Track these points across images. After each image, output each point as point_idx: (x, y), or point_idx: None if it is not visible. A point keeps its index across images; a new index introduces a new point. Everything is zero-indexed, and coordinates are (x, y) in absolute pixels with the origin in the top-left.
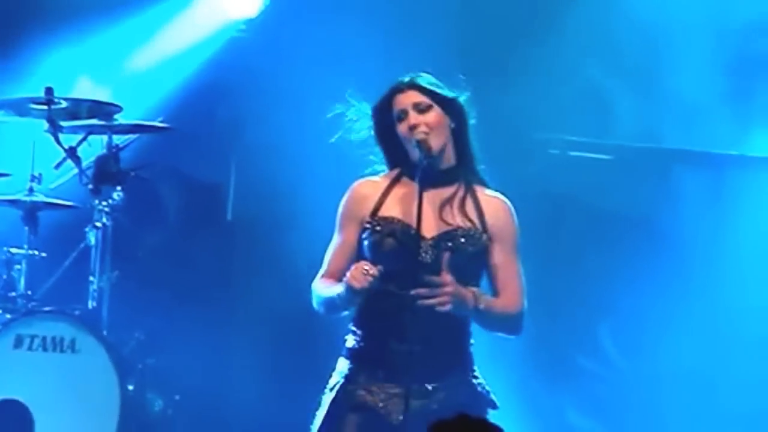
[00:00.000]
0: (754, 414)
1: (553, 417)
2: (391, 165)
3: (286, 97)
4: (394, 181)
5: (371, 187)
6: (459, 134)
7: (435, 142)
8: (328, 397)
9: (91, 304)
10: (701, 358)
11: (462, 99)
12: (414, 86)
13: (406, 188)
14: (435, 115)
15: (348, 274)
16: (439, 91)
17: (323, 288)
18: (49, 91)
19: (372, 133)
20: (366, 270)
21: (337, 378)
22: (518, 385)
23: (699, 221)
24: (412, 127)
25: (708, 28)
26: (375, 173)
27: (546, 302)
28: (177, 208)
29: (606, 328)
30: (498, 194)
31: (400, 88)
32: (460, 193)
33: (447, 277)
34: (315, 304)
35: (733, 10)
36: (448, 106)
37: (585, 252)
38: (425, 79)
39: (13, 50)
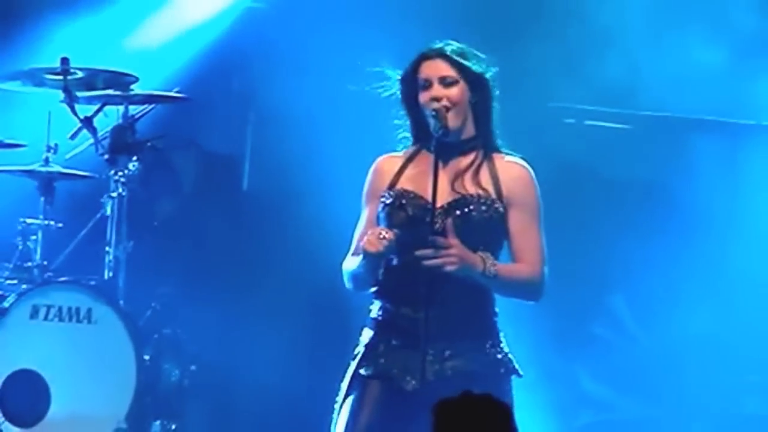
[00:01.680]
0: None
1: (568, 384)
2: (415, 134)
3: (302, 68)
4: (413, 155)
5: (392, 163)
6: (481, 109)
7: (453, 119)
8: (351, 367)
9: (107, 274)
10: (715, 325)
11: (489, 75)
12: (443, 56)
13: (424, 161)
14: (459, 90)
15: (364, 239)
16: (467, 65)
17: (349, 263)
18: (64, 61)
19: (399, 98)
20: (381, 234)
21: (359, 348)
22: (533, 353)
23: (714, 190)
24: (435, 99)
25: None
26: (392, 145)
27: (560, 270)
28: (193, 178)
29: (620, 296)
30: (519, 160)
31: (429, 56)
32: (476, 162)
33: (452, 239)
34: (346, 283)
35: None
36: (475, 80)
37: (600, 221)
38: (456, 50)
39: (30, 20)
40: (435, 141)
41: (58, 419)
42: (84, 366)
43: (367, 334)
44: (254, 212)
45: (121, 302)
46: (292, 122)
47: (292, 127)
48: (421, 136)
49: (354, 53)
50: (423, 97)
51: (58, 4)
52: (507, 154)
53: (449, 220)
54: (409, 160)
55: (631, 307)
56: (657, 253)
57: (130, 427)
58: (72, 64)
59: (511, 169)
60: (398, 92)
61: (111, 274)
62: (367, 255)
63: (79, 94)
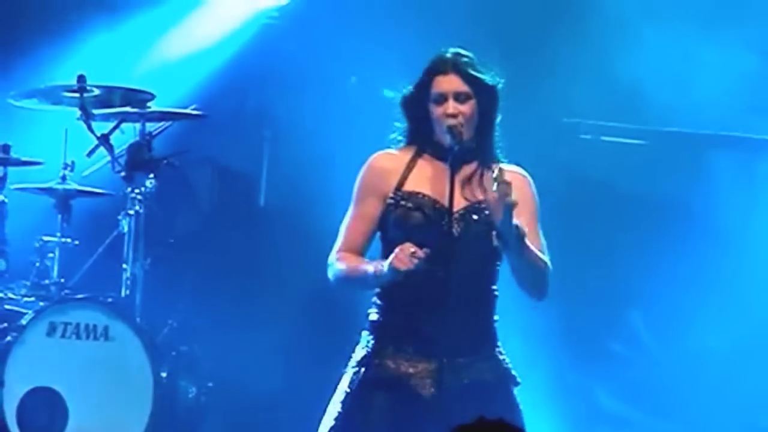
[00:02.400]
0: None
1: (584, 400)
2: (411, 138)
3: (318, 84)
4: (416, 157)
5: (392, 161)
6: (487, 119)
7: (467, 132)
8: (352, 372)
9: (124, 291)
10: (731, 341)
11: (499, 86)
12: (458, 71)
13: (430, 164)
14: (471, 105)
15: (393, 256)
16: (481, 78)
17: (348, 264)
18: (81, 78)
19: (401, 102)
20: (413, 252)
21: (363, 353)
22: (550, 368)
23: (732, 206)
24: (450, 116)
25: (742, 10)
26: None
27: (578, 286)
28: (210, 195)
29: (637, 313)
30: (515, 167)
31: (443, 70)
32: (480, 170)
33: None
34: (334, 279)
35: None
36: (486, 93)
37: (617, 237)
38: (469, 64)
39: (46, 38)
40: (452, 156)
41: None
42: (101, 383)
43: (369, 338)
44: (271, 228)
45: (138, 319)
46: (307, 138)
47: (308, 144)
48: (419, 139)
49: (369, 69)
50: (437, 111)
51: (74, 22)
52: (504, 162)
53: (473, 227)
54: (412, 162)
55: (647, 323)
56: (674, 269)
57: None
58: (89, 82)
59: (512, 176)
60: (404, 97)
61: (128, 292)
62: (395, 271)
63: (96, 111)
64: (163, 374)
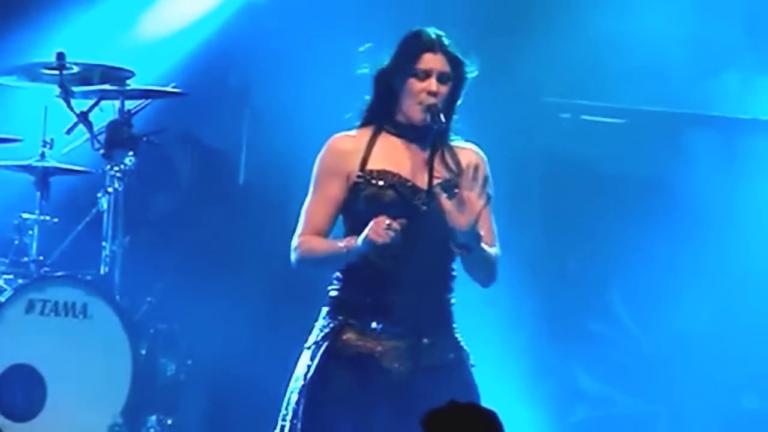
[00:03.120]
0: (766, 377)
1: (564, 380)
2: (371, 115)
3: (298, 63)
4: (375, 135)
5: (351, 142)
6: (452, 102)
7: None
8: (315, 347)
9: (103, 269)
10: (713, 321)
11: (472, 76)
12: (445, 52)
13: (391, 142)
14: (448, 87)
15: (368, 230)
16: (462, 66)
17: (316, 244)
18: (60, 56)
19: (379, 73)
20: (388, 224)
21: (326, 329)
22: (530, 349)
23: (711, 185)
24: (431, 93)
25: None
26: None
27: (557, 266)
28: (189, 173)
29: (618, 293)
30: (472, 146)
31: (431, 48)
32: (441, 149)
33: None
34: (299, 262)
35: None
36: (460, 80)
37: (596, 216)
38: (454, 48)
39: (25, 15)
40: (433, 135)
41: (54, 414)
42: (80, 361)
43: (334, 315)
44: (250, 206)
45: (117, 297)
46: (288, 117)
47: (288, 122)
48: (380, 116)
49: (350, 48)
50: (416, 86)
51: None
52: (459, 140)
53: (440, 204)
54: (372, 141)
55: (627, 303)
56: (654, 249)
57: (126, 422)
58: (68, 59)
59: (469, 155)
60: (383, 69)
61: (107, 269)
62: (371, 244)
63: (75, 89)
64: (142, 352)
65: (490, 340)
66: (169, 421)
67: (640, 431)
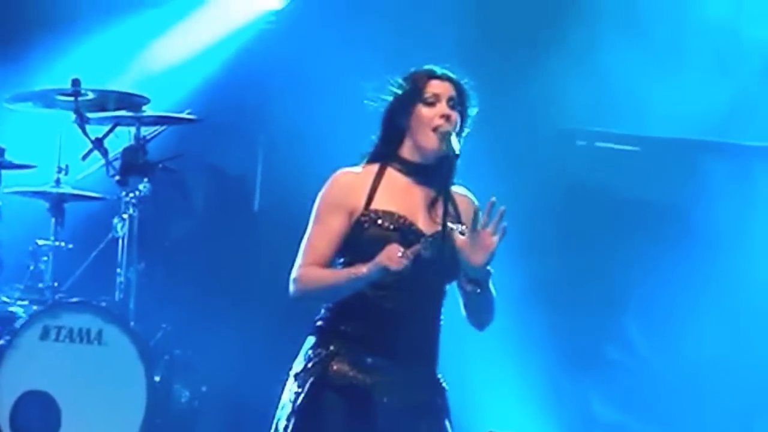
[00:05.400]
0: None
1: (579, 407)
2: (379, 151)
3: (313, 88)
4: (380, 173)
5: (356, 178)
6: (458, 133)
7: (455, 143)
8: (303, 375)
9: (117, 295)
10: (727, 347)
11: (472, 114)
12: (452, 81)
13: (395, 180)
14: (457, 115)
15: (383, 255)
16: (468, 99)
17: (323, 274)
18: (75, 82)
19: (390, 105)
20: (402, 252)
21: (315, 358)
22: (544, 375)
23: (727, 213)
24: (443, 117)
25: (737, 20)
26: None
27: (572, 293)
28: (204, 199)
29: (633, 319)
30: (464, 190)
31: (436, 75)
32: (443, 192)
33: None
34: (302, 291)
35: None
36: (465, 110)
37: (611, 243)
38: (460, 81)
39: (41, 42)
40: (447, 165)
41: None
42: (94, 387)
43: (323, 345)
44: (265, 232)
45: (132, 323)
46: (303, 144)
47: (303, 149)
48: (387, 153)
49: (365, 74)
50: (426, 112)
51: (69, 26)
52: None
53: (444, 251)
54: (377, 179)
55: (642, 330)
56: (668, 275)
57: None
58: (83, 86)
59: (464, 201)
60: (393, 100)
61: (122, 296)
62: (384, 270)
63: (91, 115)
64: (157, 378)
65: (506, 366)
66: None
67: None
